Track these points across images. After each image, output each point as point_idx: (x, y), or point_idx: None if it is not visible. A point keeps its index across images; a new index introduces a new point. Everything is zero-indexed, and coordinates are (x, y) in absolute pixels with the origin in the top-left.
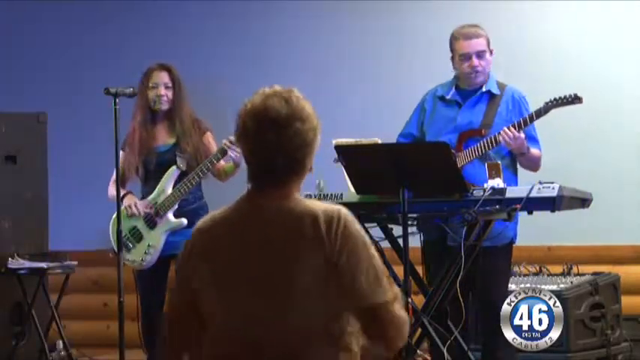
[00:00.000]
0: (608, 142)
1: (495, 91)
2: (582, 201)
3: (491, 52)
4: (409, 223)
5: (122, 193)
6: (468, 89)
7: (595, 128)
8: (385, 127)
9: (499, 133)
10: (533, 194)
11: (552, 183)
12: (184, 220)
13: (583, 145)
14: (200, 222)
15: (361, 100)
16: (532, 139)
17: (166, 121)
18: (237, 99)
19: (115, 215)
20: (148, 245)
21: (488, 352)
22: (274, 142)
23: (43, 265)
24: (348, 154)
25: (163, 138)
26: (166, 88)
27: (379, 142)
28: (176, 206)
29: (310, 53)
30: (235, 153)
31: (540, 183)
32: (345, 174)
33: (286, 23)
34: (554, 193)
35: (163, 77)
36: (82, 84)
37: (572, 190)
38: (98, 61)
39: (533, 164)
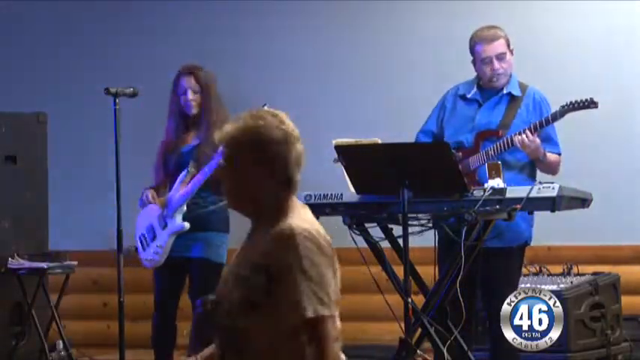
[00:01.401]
0: (611, 143)
1: (516, 92)
2: (582, 201)
3: (511, 52)
4: (415, 223)
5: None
6: (489, 89)
7: (597, 128)
8: (385, 127)
9: (514, 134)
10: (533, 194)
11: (552, 183)
12: (186, 225)
13: (584, 145)
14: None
15: (362, 100)
16: (551, 141)
17: (197, 124)
18: (239, 98)
19: (138, 215)
20: (157, 245)
21: (496, 350)
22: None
23: (43, 265)
24: (348, 154)
25: (190, 140)
26: (194, 92)
27: (379, 142)
28: (184, 208)
29: (311, 53)
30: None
31: (540, 183)
32: (345, 174)
33: (286, 24)
34: (554, 193)
35: (190, 81)
36: (82, 84)
37: (572, 190)
38: (98, 61)
39: (552, 169)
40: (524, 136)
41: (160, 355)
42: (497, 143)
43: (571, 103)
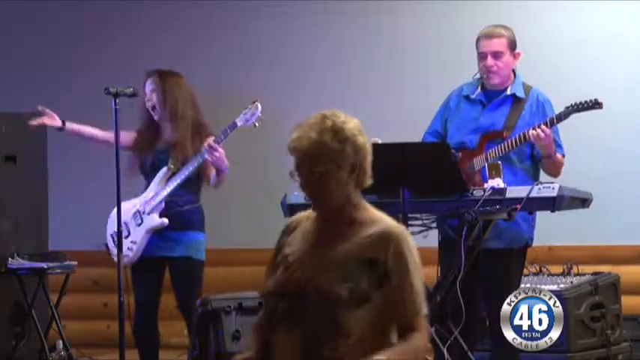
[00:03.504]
0: (610, 143)
1: (520, 94)
2: (582, 201)
3: (514, 56)
4: (415, 223)
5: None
6: (492, 90)
7: (596, 129)
8: (385, 127)
9: (528, 130)
10: (534, 194)
11: (552, 183)
12: (165, 221)
13: (584, 145)
14: None
15: (362, 101)
16: (555, 143)
17: (164, 123)
18: (235, 100)
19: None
20: (132, 241)
21: (496, 350)
22: None
23: (43, 265)
24: None
25: (163, 140)
26: (152, 94)
27: (379, 142)
28: (162, 206)
29: (311, 54)
30: (212, 157)
31: (540, 183)
32: None
33: (288, 25)
34: (555, 193)
35: (148, 85)
36: (82, 84)
37: (572, 190)
38: (98, 61)
39: (556, 169)
40: (539, 130)
41: (145, 355)
42: (504, 143)
43: (575, 104)
